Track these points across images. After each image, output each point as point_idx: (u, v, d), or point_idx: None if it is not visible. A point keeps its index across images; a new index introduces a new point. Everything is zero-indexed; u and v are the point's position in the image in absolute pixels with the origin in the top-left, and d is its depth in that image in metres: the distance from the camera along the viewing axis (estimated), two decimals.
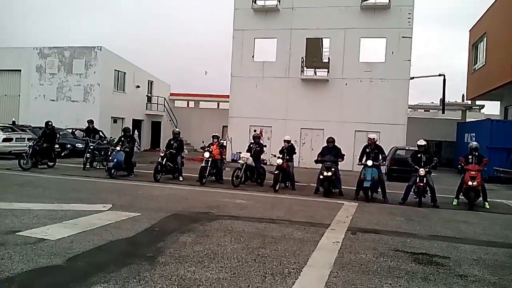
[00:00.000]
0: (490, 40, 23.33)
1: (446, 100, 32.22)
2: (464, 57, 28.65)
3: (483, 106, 38.36)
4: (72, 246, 5.59)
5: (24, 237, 5.92)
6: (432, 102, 45.89)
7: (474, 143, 12.29)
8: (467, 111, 29.78)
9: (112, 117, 28.51)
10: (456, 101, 36.18)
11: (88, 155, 16.44)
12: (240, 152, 14.77)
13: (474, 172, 11.31)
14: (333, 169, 12.21)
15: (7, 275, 4.42)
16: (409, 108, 35.95)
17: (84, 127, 18.62)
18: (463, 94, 30.36)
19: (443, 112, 26.50)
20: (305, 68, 24.76)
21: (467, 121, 27.71)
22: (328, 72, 23.88)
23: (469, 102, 31.07)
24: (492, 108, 52.88)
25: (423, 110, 47.65)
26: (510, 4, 19.87)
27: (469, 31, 27.56)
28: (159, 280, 4.49)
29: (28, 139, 18.13)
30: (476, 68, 25.71)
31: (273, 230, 7.23)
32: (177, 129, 15.42)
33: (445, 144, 28.35)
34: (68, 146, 21.67)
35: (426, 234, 7.63)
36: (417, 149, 12.11)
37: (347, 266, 5.35)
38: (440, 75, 24.62)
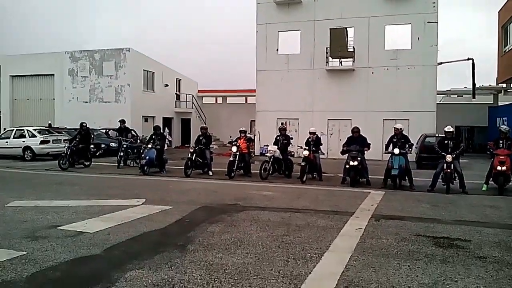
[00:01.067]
0: None
1: (479, 84, 31.45)
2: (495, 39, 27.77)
3: None
4: (109, 238, 6.02)
5: (64, 230, 6.40)
6: (465, 87, 44.62)
7: (504, 126, 12.11)
8: (499, 94, 28.92)
9: (143, 116, 29.32)
10: (490, 85, 35.20)
11: (121, 153, 17.10)
12: (267, 145, 15.04)
13: (503, 157, 11.18)
14: (359, 159, 12.29)
15: (51, 264, 4.86)
16: (441, 94, 35.40)
17: (117, 127, 19.29)
18: (496, 78, 29.54)
19: (473, 97, 25.88)
20: (330, 59, 24.73)
21: (499, 105, 26.96)
22: (353, 61, 23.79)
23: (504, 85, 30.19)
24: None
25: (456, 96, 46.49)
26: None
27: (498, 12, 26.77)
28: (189, 265, 4.84)
29: (64, 141, 18.94)
30: (507, 50, 24.99)
31: (298, 219, 7.48)
32: (205, 125, 15.81)
33: (477, 130, 27.77)
34: (103, 146, 22.53)
35: (450, 219, 7.71)
36: (444, 135, 12.06)
37: (368, 250, 5.55)
38: (468, 59, 24.05)
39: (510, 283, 4.50)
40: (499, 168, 11.14)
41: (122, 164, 16.95)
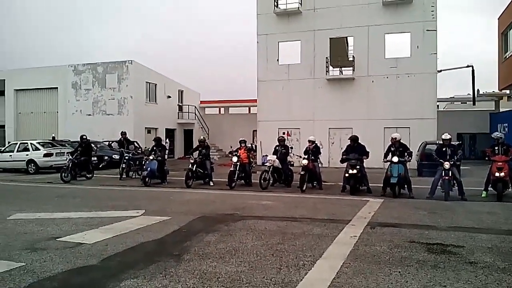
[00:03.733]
0: None
1: (482, 90, 31.52)
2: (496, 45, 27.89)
3: None
4: (106, 248, 6.13)
5: (63, 242, 6.52)
6: (468, 94, 44.69)
7: (497, 133, 12.22)
8: (501, 101, 28.94)
9: (145, 127, 29.57)
10: (493, 91, 35.25)
11: (123, 165, 17.29)
12: (267, 155, 15.15)
13: (500, 163, 11.25)
14: (358, 167, 12.36)
15: (49, 275, 4.98)
16: (444, 101, 35.47)
17: (119, 139, 19.46)
18: (498, 84, 29.58)
19: (473, 104, 25.94)
20: (330, 68, 24.89)
21: (500, 111, 26.97)
22: (353, 70, 23.93)
23: (507, 91, 30.24)
24: None
25: (459, 103, 46.55)
26: None
27: (498, 19, 26.92)
28: (183, 274, 4.93)
29: (67, 154, 19.13)
30: (507, 56, 25.08)
31: (294, 227, 7.57)
32: (202, 136, 15.96)
33: (479, 136, 27.74)
34: (106, 158, 22.74)
35: (446, 225, 7.77)
36: (442, 142, 12.13)
37: (360, 257, 5.62)
38: (468, 66, 24.16)
39: (498, 287, 4.56)
40: (497, 174, 11.20)
41: (124, 176, 17.12)
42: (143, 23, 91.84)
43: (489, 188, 11.70)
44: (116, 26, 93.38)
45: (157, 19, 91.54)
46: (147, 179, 14.77)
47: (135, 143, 20.97)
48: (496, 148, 11.62)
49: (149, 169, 14.80)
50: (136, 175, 17.33)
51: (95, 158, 20.61)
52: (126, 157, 17.39)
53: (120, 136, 18.78)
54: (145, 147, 23.28)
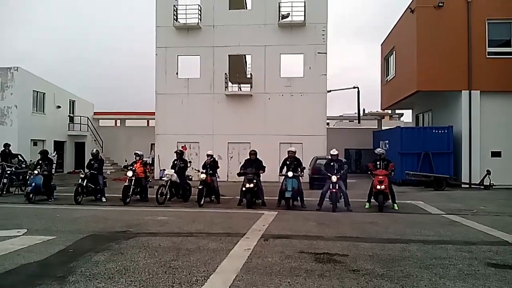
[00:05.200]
0: (398, 53, 25.40)
1: (367, 110, 34.45)
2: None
3: (402, 115, 41.36)
4: None
5: None
6: (355, 113, 48.72)
7: (379, 149, 13.48)
8: (382, 119, 31.93)
9: (31, 139, 27.21)
10: (377, 111, 38.67)
11: (5, 180, 15.85)
12: (164, 169, 14.87)
13: (381, 177, 12.35)
14: (255, 181, 12.70)
15: None
16: (334, 119, 38.05)
17: (1, 151, 17.72)
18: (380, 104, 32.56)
19: (358, 122, 28.23)
20: (229, 84, 25.35)
21: (382, 129, 29.69)
22: (251, 87, 24.64)
23: (389, 111, 33.33)
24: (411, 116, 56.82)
25: (347, 121, 50.26)
26: (412, 21, 21.82)
27: (381, 45, 29.76)
28: None
29: None
30: (388, 80, 27.77)
31: (189, 242, 7.51)
32: (96, 149, 15.18)
33: (364, 152, 30.16)
34: None
35: (333, 235, 8.30)
36: (330, 157, 12.99)
37: (253, 269, 5.77)
38: (354, 87, 26.28)
39: None
40: (378, 187, 12.28)
41: (5, 192, 15.59)
42: (32, 31, 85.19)
43: (371, 200, 12.78)
44: (3, 31, 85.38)
45: (48, 25, 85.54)
46: (31, 195, 13.61)
47: (19, 156, 19.21)
48: (378, 163, 12.74)
49: (33, 184, 13.67)
50: (19, 191, 15.90)
51: None
52: (8, 171, 15.89)
53: (3, 148, 17.11)
54: (30, 161, 21.45)
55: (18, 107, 26.08)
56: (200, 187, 13.20)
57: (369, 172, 13.15)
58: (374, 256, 6.68)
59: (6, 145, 17.34)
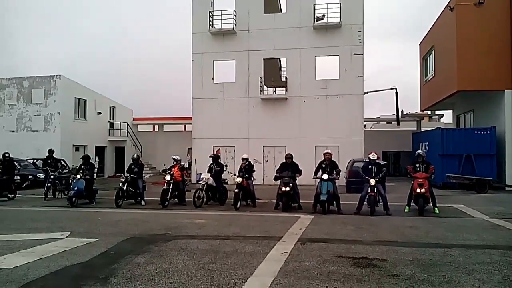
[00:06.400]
0: (438, 52, 24.73)
1: (406, 111, 33.69)
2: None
3: (442, 115, 40.15)
4: (28, 273, 5.77)
5: None
6: (393, 114, 47.63)
7: (419, 151, 13.08)
8: (422, 121, 31.10)
9: (74, 145, 28.24)
10: (416, 112, 37.72)
11: (49, 185, 16.41)
12: (201, 173, 15.04)
13: (421, 180, 12.02)
14: (291, 184, 12.65)
15: None
16: (371, 121, 37.39)
17: (45, 157, 18.45)
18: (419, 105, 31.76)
19: (397, 124, 27.61)
20: (264, 88, 25.43)
21: (421, 131, 28.94)
22: (286, 90, 24.61)
23: (428, 112, 32.51)
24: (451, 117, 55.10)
25: (385, 123, 49.24)
26: (452, 19, 21.22)
27: (419, 44, 29.07)
28: None
29: None
30: (427, 80, 27.07)
31: (226, 245, 7.57)
32: (136, 154, 15.57)
33: (403, 155, 29.48)
34: (29, 177, 21.40)
35: (371, 240, 8.15)
36: (368, 160, 12.77)
37: (290, 273, 5.74)
38: (392, 88, 25.75)
39: None
40: (418, 190, 11.95)
41: (50, 196, 16.23)
42: (76, 40, 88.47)
43: (411, 204, 12.45)
44: (46, 42, 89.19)
45: (90, 35, 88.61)
46: (74, 199, 14.08)
47: (61, 161, 19.97)
48: (418, 165, 12.40)
49: (76, 188, 14.15)
50: (63, 195, 16.48)
51: (18, 177, 19.35)
52: (52, 176, 16.52)
53: (48, 154, 17.82)
54: (73, 166, 22.24)
55: (60, 113, 27.15)
56: (236, 190, 13.28)
57: (408, 175, 12.83)
58: (414, 261, 6.51)
59: (50, 151, 18.02)
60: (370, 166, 12.44)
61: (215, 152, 16.85)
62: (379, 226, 9.83)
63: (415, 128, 30.80)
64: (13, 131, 27.78)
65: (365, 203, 12.16)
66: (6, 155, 16.25)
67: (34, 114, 27.54)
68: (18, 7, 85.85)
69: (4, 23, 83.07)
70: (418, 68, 29.73)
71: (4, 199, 15.54)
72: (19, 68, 77.73)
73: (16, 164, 18.35)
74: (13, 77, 28.54)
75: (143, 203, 14.35)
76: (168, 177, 14.03)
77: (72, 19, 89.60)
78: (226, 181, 15.34)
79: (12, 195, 16.07)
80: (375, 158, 12.58)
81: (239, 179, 13.38)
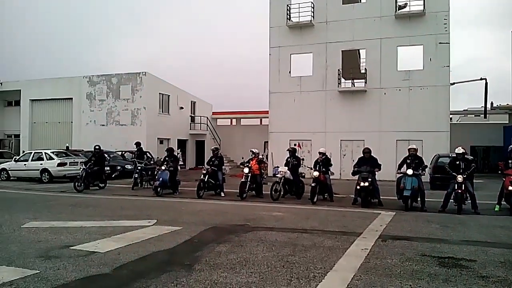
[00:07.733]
0: None
1: (496, 103, 31.27)
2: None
3: None
4: (119, 257, 6.20)
5: (77, 250, 6.60)
6: (482, 107, 44.37)
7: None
8: None
9: (158, 138, 29.83)
10: (507, 104, 34.91)
11: (136, 175, 17.45)
12: (278, 167, 15.15)
13: None
14: (369, 179, 12.28)
15: (62, 282, 5.05)
16: (457, 114, 35.22)
17: (134, 150, 19.59)
18: None
19: (485, 117, 25.73)
20: (342, 80, 24.95)
21: None
22: (365, 82, 23.95)
23: None
24: None
25: (473, 115, 46.17)
26: None
27: (511, 31, 26.82)
28: (194, 284, 4.97)
29: (81, 163, 19.32)
30: None
31: (305, 239, 7.56)
32: (215, 146, 16.04)
33: (492, 149, 27.46)
34: (118, 168, 22.95)
35: (458, 239, 7.69)
36: (455, 156, 12.02)
37: (371, 270, 5.60)
38: (481, 79, 24.00)
39: None
40: (510, 188, 11.07)
41: (138, 186, 17.26)
42: (158, 37, 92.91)
43: (502, 202, 11.56)
44: (132, 39, 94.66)
45: (171, 33, 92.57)
46: (159, 189, 14.89)
47: (147, 153, 21.15)
48: (510, 161, 11.47)
49: (161, 179, 14.94)
50: (148, 185, 17.46)
51: (108, 168, 20.82)
52: (139, 167, 17.55)
53: (136, 146, 18.96)
54: (157, 157, 23.46)
55: (146, 108, 28.78)
56: (313, 184, 13.20)
57: (499, 172, 11.91)
58: (506, 262, 6.05)
59: (137, 144, 19.07)
60: (457, 162, 11.70)
61: (294, 146, 16.84)
62: (467, 225, 9.26)
63: (507, 122, 28.49)
64: (103, 125, 29.98)
65: (451, 200, 11.49)
66: (97, 147, 17.50)
67: (122, 109, 29.50)
68: (109, 10, 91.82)
69: (94, 25, 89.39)
70: (511, 57, 27.44)
71: (96, 188, 16.80)
72: (107, 65, 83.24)
73: (106, 156, 19.68)
74: (103, 74, 30.77)
75: (222, 194, 14.77)
76: (246, 170, 14.29)
77: (155, 18, 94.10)
78: (303, 174, 15.31)
79: (103, 185, 17.31)
80: (461, 152, 11.80)
81: (316, 173, 13.28)
